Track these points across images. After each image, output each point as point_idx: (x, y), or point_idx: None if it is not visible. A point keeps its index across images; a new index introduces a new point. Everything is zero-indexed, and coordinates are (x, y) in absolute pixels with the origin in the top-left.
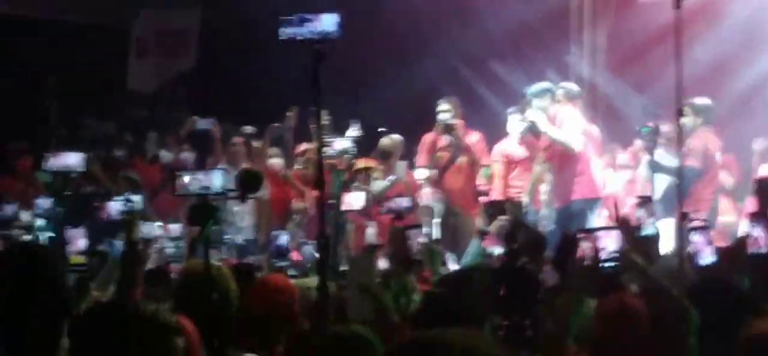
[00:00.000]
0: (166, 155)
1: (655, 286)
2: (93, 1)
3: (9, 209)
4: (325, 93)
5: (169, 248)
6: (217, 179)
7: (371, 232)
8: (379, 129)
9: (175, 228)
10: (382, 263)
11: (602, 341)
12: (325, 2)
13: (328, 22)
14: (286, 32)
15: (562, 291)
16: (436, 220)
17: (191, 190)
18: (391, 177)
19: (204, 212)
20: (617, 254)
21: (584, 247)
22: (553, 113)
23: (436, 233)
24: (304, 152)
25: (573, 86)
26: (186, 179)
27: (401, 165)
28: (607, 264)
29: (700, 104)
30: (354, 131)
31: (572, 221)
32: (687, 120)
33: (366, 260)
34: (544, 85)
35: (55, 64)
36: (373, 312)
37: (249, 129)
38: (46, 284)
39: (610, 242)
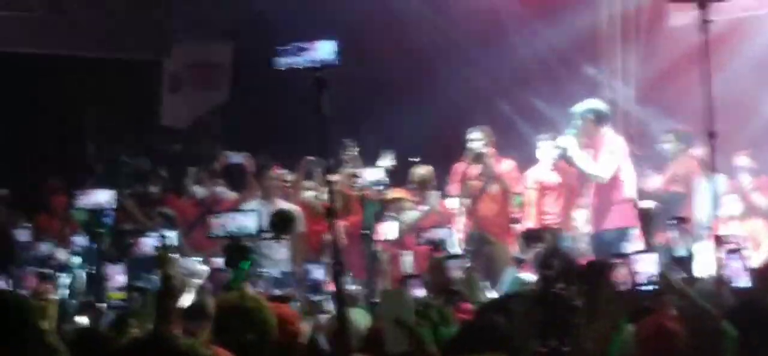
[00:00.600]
0: (199, 191)
1: (694, 307)
2: (127, 38)
3: (43, 247)
4: (329, 122)
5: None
6: (250, 221)
7: (408, 261)
8: (411, 158)
9: (220, 262)
10: (419, 292)
11: None
12: (349, 31)
13: (325, 50)
14: (283, 62)
15: (590, 316)
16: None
17: (224, 232)
18: (425, 207)
19: (239, 253)
20: (655, 277)
21: (620, 272)
22: (601, 134)
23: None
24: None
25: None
26: (220, 220)
27: (435, 195)
28: (644, 287)
29: (682, 131)
30: (387, 161)
31: (605, 249)
32: (670, 146)
33: (398, 294)
34: (593, 104)
35: (90, 101)
36: (408, 345)
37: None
38: (17, 332)
39: (647, 265)
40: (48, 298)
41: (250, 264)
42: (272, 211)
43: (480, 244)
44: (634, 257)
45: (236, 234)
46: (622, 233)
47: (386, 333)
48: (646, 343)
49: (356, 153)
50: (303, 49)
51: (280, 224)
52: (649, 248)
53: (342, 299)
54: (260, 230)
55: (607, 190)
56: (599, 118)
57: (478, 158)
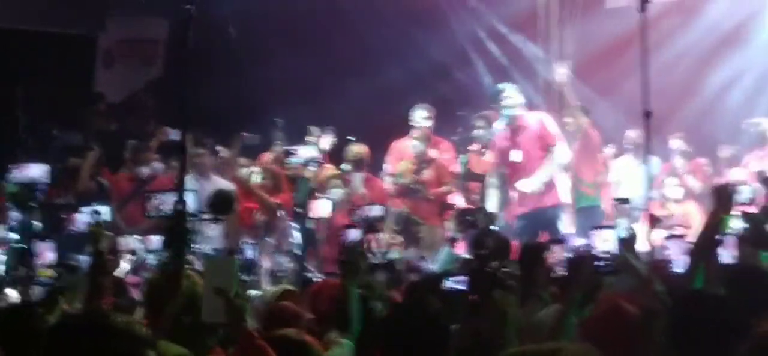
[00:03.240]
0: (143, 170)
1: (648, 286)
2: (61, 11)
3: None
4: (190, 59)
5: (150, 260)
6: (188, 201)
7: (353, 235)
8: (347, 137)
9: (156, 240)
10: None
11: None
12: (287, 11)
13: None
14: None
15: (525, 297)
16: None
17: (163, 211)
18: (347, 189)
19: (179, 235)
20: (610, 255)
21: (555, 253)
22: (525, 116)
23: None
24: (267, 162)
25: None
26: (157, 199)
27: (358, 177)
28: (602, 264)
29: (581, 105)
30: (328, 139)
31: (545, 228)
32: (571, 122)
33: (225, 263)
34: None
35: (23, 75)
36: (225, 315)
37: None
38: None
39: (603, 243)
40: None
41: (188, 245)
42: (207, 188)
43: (407, 224)
44: (591, 232)
45: (174, 216)
46: (558, 211)
47: (204, 301)
48: (599, 323)
49: (321, 135)
50: None
51: (220, 204)
52: None
53: (180, 249)
54: (198, 211)
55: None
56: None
57: (420, 156)
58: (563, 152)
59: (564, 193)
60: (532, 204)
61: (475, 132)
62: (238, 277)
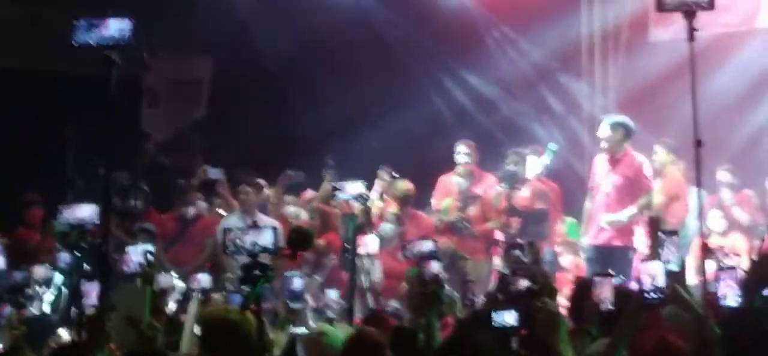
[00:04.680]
0: (190, 211)
1: (698, 320)
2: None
3: (18, 275)
4: (115, 105)
5: (197, 299)
6: (268, 237)
7: (376, 269)
8: (392, 173)
9: (204, 278)
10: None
11: None
12: (333, 47)
13: (116, 27)
14: (77, 39)
15: (576, 332)
16: None
17: (241, 248)
18: (397, 226)
19: (258, 271)
20: (662, 287)
21: (601, 288)
22: (625, 150)
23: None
24: (310, 199)
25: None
26: (234, 236)
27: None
28: (650, 296)
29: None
30: (384, 176)
31: (611, 266)
32: (661, 157)
33: (135, 291)
34: (622, 119)
35: (70, 116)
36: (136, 342)
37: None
38: None
39: (653, 275)
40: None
41: (266, 281)
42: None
43: (452, 260)
44: (642, 265)
45: (253, 251)
46: (628, 253)
47: (117, 328)
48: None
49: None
50: (94, 26)
51: (300, 239)
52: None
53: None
54: (277, 247)
55: (625, 206)
56: (628, 133)
57: (464, 192)
58: (653, 200)
59: (639, 239)
60: (605, 239)
61: (509, 167)
62: (151, 306)
